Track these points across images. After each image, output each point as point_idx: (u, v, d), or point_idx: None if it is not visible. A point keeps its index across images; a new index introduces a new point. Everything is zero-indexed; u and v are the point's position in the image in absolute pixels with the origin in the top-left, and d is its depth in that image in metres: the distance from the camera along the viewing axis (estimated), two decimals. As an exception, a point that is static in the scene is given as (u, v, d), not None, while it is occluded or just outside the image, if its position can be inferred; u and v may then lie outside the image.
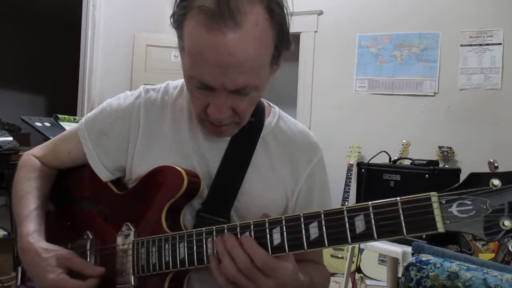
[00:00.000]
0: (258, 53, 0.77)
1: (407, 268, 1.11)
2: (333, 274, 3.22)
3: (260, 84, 0.82)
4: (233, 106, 0.82)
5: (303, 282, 0.80)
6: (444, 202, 0.63)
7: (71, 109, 3.79)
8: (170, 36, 4.02)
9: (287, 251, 0.73)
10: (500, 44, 3.53)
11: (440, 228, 0.62)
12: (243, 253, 0.74)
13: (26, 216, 0.95)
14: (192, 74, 0.80)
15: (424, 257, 1.11)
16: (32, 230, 0.92)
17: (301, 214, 0.73)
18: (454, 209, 0.62)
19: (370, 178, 2.16)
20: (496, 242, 2.56)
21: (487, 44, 3.57)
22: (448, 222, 0.62)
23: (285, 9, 0.81)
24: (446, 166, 3.35)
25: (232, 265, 0.74)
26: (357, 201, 2.25)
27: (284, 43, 0.82)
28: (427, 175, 1.94)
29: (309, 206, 0.98)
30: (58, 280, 0.85)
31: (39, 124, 2.65)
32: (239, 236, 0.77)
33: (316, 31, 4.12)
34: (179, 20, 0.80)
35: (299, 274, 0.80)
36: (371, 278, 3.23)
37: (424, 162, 2.02)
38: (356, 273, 3.12)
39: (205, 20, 0.74)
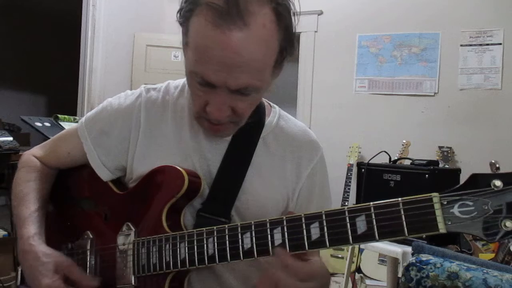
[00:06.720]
0: (263, 55, 0.77)
1: (407, 268, 1.11)
2: (333, 274, 3.22)
3: (261, 86, 0.82)
4: (232, 105, 0.82)
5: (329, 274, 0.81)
6: (445, 203, 0.63)
7: (71, 109, 3.79)
8: (170, 36, 4.03)
9: (288, 251, 0.73)
10: (500, 44, 3.53)
11: (442, 228, 0.62)
12: (284, 274, 0.72)
13: (27, 218, 0.94)
14: (195, 69, 0.79)
15: (424, 257, 1.11)
16: (33, 233, 0.92)
17: (302, 215, 0.73)
18: (455, 210, 0.62)
19: (370, 178, 2.16)
20: (497, 242, 2.56)
21: (487, 44, 3.56)
22: (449, 223, 0.62)
23: (292, 14, 0.81)
24: (446, 166, 3.35)
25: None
26: (357, 201, 2.24)
27: (289, 48, 0.82)
28: (427, 175, 1.93)
29: (310, 204, 0.98)
30: (53, 286, 0.85)
31: (39, 124, 2.64)
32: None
33: (316, 31, 4.12)
34: (185, 16, 0.79)
35: None
36: (371, 278, 3.23)
37: (424, 162, 2.02)
38: (356, 273, 3.11)
39: (213, 17, 0.73)
